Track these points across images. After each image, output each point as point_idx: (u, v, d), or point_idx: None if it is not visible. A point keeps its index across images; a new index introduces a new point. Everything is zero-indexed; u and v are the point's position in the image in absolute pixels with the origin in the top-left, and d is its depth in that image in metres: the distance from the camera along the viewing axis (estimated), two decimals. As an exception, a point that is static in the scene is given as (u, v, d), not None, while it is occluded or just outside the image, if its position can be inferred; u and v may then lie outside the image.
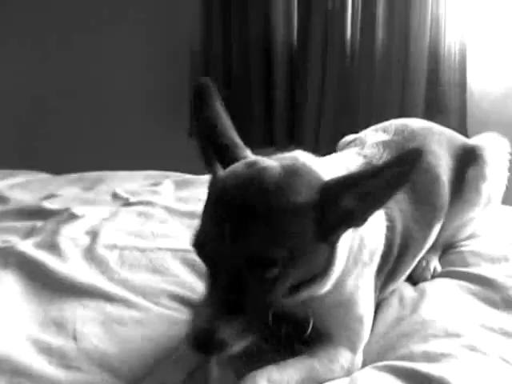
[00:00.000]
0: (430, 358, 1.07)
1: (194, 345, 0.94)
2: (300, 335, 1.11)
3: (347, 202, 0.97)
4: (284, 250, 0.94)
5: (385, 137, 1.37)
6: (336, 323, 1.12)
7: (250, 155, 1.07)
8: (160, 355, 1.10)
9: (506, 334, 1.14)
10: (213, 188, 1.02)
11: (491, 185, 1.50)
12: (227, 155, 1.05)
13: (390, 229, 1.20)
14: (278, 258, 0.93)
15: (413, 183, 1.29)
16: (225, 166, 1.04)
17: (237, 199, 0.95)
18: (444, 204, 1.41)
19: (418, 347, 1.10)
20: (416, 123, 1.49)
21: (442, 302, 1.27)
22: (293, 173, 0.98)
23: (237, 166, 1.02)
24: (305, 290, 1.03)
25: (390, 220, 1.20)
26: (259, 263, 0.93)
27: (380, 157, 1.27)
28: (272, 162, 1.01)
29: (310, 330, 1.11)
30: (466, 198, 1.48)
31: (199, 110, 1.09)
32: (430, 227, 1.36)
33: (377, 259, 1.17)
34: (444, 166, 1.42)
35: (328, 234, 0.99)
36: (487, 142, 1.55)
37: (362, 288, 1.14)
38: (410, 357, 1.08)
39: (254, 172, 0.98)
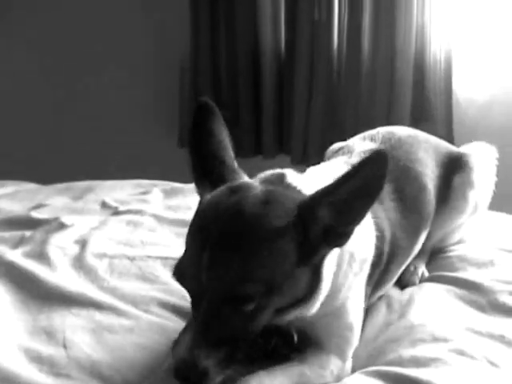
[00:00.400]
0: (418, 362, 1.07)
1: (176, 375, 0.95)
2: (288, 346, 1.11)
3: (323, 214, 0.96)
4: (260, 284, 0.93)
5: (372, 145, 1.37)
6: (326, 331, 1.12)
7: (238, 177, 1.05)
8: (151, 363, 1.10)
9: (492, 337, 1.15)
10: (196, 213, 1.02)
11: (478, 191, 1.51)
12: (215, 176, 1.04)
13: (380, 239, 1.20)
14: (253, 293, 0.93)
15: (401, 192, 1.30)
16: (213, 186, 1.03)
17: (214, 230, 0.94)
18: (430, 212, 1.42)
19: (407, 352, 1.11)
20: (402, 131, 1.51)
21: (430, 306, 1.28)
22: (273, 198, 0.98)
23: (220, 192, 1.01)
24: (290, 313, 1.02)
25: (380, 230, 1.20)
26: (234, 299, 0.93)
27: None
28: (254, 188, 1.00)
29: (295, 342, 1.11)
30: (453, 206, 1.49)
31: (195, 130, 1.08)
32: (416, 235, 1.37)
33: (367, 268, 1.18)
34: (430, 174, 1.43)
35: (310, 256, 0.98)
36: (474, 150, 1.56)
37: (352, 297, 1.14)
38: (399, 362, 1.09)
39: (234, 201, 0.97)
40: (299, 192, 1.02)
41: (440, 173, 1.47)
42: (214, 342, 0.93)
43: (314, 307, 1.04)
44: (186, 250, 1.01)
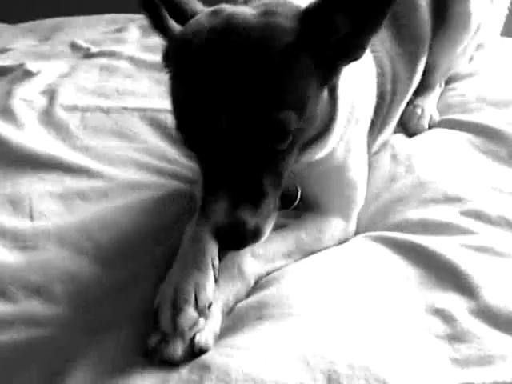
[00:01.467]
0: (426, 227, 0.95)
1: (224, 242, 0.79)
2: (288, 205, 0.98)
3: (339, 22, 0.78)
4: (293, 111, 0.76)
5: None
6: (327, 191, 1.01)
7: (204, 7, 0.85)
8: (126, 224, 0.99)
9: (513, 194, 1.00)
10: (178, 51, 0.80)
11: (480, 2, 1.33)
12: (178, 11, 0.84)
13: (381, 75, 1.04)
14: (289, 123, 0.77)
15: (393, 16, 1.10)
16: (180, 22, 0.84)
17: (218, 59, 0.75)
18: (427, 34, 1.25)
19: (415, 214, 0.99)
20: None
21: (441, 158, 1.13)
22: (268, 10, 0.79)
23: (199, 18, 0.81)
24: (308, 152, 0.89)
25: (380, 65, 1.04)
26: (270, 136, 0.77)
27: None
28: (240, 4, 0.85)
29: (298, 199, 0.98)
30: (453, 24, 1.32)
31: None
32: (414, 63, 1.22)
33: (370, 113, 1.03)
34: None
35: (328, 72, 0.81)
36: None
37: (354, 150, 1.00)
38: (405, 225, 0.97)
39: (225, 19, 0.77)
40: (290, 1, 0.84)
41: None
42: (251, 195, 0.78)
43: (328, 145, 0.92)
44: (183, 96, 0.79)
